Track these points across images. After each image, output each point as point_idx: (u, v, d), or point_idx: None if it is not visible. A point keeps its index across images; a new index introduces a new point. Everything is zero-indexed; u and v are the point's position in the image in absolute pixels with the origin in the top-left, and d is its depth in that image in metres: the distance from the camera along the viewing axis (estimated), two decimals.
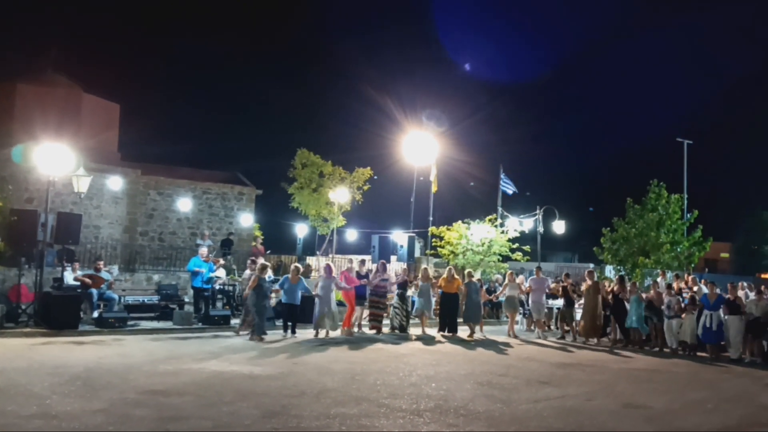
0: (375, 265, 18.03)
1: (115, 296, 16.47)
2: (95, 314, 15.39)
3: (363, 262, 17.94)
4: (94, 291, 15.92)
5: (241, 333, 15.06)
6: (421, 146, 24.87)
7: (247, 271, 17.02)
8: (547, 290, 17.87)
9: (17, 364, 10.20)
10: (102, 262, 17.36)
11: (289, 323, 15.44)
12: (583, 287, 17.35)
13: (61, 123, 23.34)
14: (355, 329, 16.42)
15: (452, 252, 24.14)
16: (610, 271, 26.79)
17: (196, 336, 14.69)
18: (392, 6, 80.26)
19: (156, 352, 12.11)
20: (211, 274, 16.99)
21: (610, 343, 16.45)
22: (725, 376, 12.34)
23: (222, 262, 19.18)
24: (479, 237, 23.95)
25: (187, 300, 18.08)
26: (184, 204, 27.73)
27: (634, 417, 8.47)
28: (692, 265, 26.27)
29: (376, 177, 27.34)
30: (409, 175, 27.44)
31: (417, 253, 25.14)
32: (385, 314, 16.87)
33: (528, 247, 24.74)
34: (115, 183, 25.00)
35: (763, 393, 10.79)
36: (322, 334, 15.27)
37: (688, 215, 27.09)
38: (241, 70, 74.57)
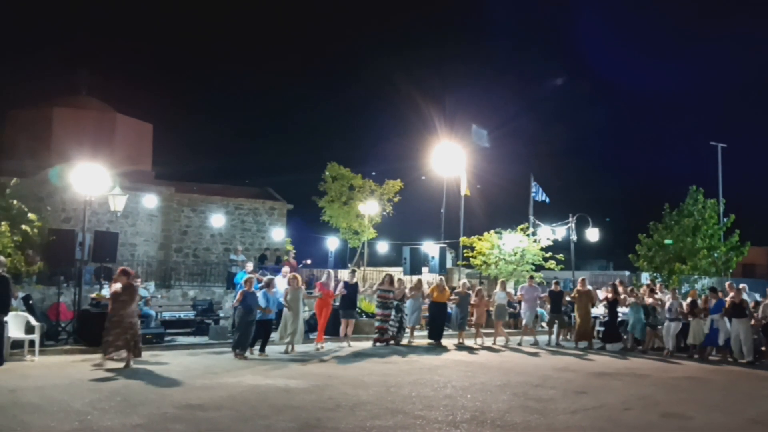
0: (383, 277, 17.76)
1: (152, 312, 16.65)
2: None
3: (353, 272, 17.67)
4: None
5: (112, 358, 12.19)
6: (451, 157, 24.85)
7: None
8: (538, 299, 18.18)
9: (58, 381, 10.38)
10: (139, 279, 17.59)
11: (260, 339, 14.16)
12: (573, 293, 17.70)
13: (96, 144, 23.91)
14: (345, 344, 15.74)
15: (485, 262, 24.01)
16: (646, 278, 26.40)
17: (231, 350, 14.80)
18: (425, 20, 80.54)
19: (192, 366, 12.23)
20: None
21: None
22: (765, 384, 12.09)
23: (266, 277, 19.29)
24: (511, 246, 23.78)
25: (222, 315, 18.24)
26: (217, 220, 28.08)
27: (673, 427, 8.34)
28: (730, 271, 25.79)
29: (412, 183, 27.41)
30: (439, 186, 27.46)
31: (449, 264, 25.00)
32: (387, 327, 16.41)
33: (561, 255, 24.48)
34: (150, 201, 25.42)
35: None
36: (289, 348, 14.45)
37: (725, 220, 26.62)
38: (271, 86, 75.44)
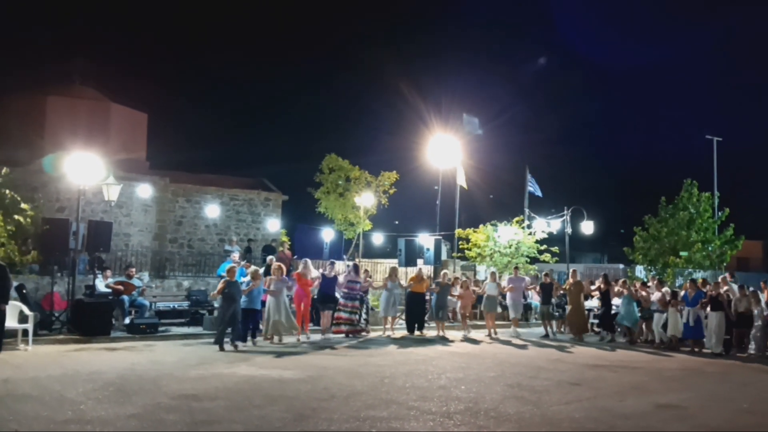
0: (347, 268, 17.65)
1: (146, 302, 16.64)
2: (127, 321, 15.55)
3: (332, 263, 17.53)
4: (126, 298, 16.10)
5: None
6: (446, 149, 24.87)
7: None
8: (524, 289, 18.33)
9: (52, 371, 10.36)
10: (133, 269, 17.56)
11: (250, 329, 14.37)
12: (566, 285, 17.71)
13: (90, 133, 23.76)
14: (327, 335, 15.68)
15: (479, 254, 24.02)
16: (640, 271, 26.46)
17: (225, 340, 14.78)
18: (421, 11, 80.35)
19: (187, 357, 12.23)
20: (243, 279, 16.97)
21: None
22: (758, 375, 12.14)
23: (253, 267, 19.25)
24: (506, 239, 23.78)
25: (216, 305, 18.20)
26: (212, 210, 27.98)
27: (667, 417, 8.36)
28: (724, 264, 25.88)
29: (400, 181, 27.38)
30: (434, 178, 27.43)
31: (444, 256, 24.97)
32: (356, 318, 16.32)
33: (556, 248, 24.47)
34: (144, 191, 25.29)
35: None
36: (275, 340, 14.60)
37: (719, 213, 26.70)
38: (267, 77, 75.15)
